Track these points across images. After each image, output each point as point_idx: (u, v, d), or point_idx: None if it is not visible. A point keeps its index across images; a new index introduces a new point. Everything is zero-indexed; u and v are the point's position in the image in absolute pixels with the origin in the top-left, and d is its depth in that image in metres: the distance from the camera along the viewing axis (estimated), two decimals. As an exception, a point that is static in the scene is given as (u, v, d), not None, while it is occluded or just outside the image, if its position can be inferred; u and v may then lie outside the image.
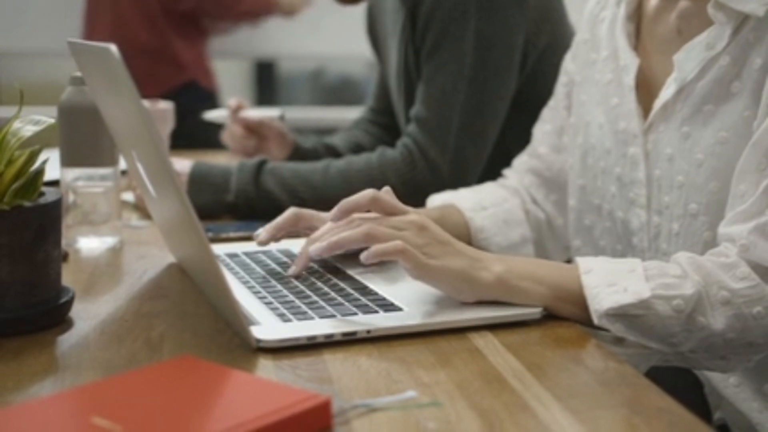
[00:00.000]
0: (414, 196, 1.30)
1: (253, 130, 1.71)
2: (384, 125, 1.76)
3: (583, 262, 0.92)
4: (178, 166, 1.38)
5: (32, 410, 0.65)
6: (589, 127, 1.18)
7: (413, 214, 0.93)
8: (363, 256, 0.88)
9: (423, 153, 1.40)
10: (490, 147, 1.44)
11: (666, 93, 1.05)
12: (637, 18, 1.14)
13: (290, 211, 1.07)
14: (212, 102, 3.48)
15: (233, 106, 1.73)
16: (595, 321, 0.88)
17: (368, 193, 0.95)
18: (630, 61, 1.11)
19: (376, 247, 0.88)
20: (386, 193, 0.99)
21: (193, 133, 2.39)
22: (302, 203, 1.30)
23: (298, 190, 1.37)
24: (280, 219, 1.07)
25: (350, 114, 2.08)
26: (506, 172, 1.33)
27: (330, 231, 0.96)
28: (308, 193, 1.37)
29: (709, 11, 1.00)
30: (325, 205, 1.07)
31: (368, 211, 0.96)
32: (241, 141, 1.72)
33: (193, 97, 3.19)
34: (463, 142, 1.40)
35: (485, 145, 1.43)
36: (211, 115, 1.78)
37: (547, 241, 1.28)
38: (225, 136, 1.75)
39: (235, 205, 1.36)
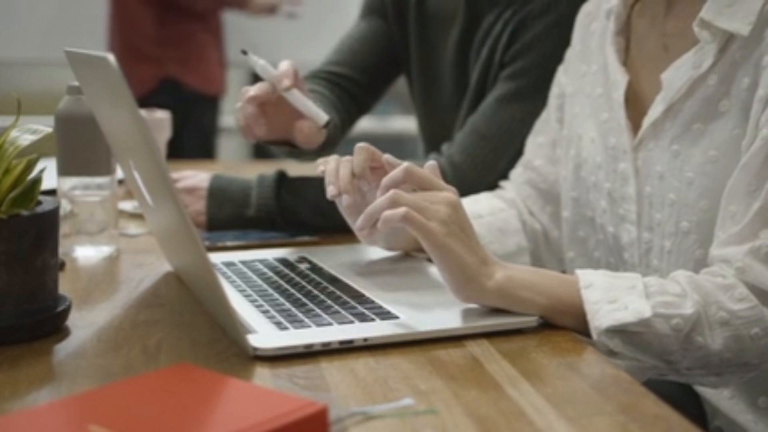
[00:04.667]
0: None
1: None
2: (345, 82, 1.57)
3: (584, 276, 0.92)
4: (197, 180, 1.35)
5: (29, 419, 0.65)
6: (582, 140, 1.18)
7: (447, 192, 0.92)
8: (380, 222, 0.89)
9: (473, 163, 1.38)
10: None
11: (654, 111, 1.05)
12: (626, 33, 1.14)
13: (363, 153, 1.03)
14: (207, 107, 3.27)
15: (286, 75, 1.23)
16: (594, 337, 0.88)
17: (402, 167, 0.93)
18: (619, 77, 1.11)
19: (384, 214, 0.88)
20: (429, 167, 0.97)
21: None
22: (324, 218, 1.29)
23: (321, 205, 1.30)
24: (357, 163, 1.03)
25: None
26: (503, 183, 1.33)
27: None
28: (330, 207, 1.24)
29: (694, 29, 1.00)
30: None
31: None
32: (253, 120, 1.26)
33: (171, 98, 2.97)
34: (508, 169, 1.38)
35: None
36: (254, 59, 1.23)
37: (544, 252, 1.28)
38: (237, 111, 1.31)
39: (257, 219, 1.33)
